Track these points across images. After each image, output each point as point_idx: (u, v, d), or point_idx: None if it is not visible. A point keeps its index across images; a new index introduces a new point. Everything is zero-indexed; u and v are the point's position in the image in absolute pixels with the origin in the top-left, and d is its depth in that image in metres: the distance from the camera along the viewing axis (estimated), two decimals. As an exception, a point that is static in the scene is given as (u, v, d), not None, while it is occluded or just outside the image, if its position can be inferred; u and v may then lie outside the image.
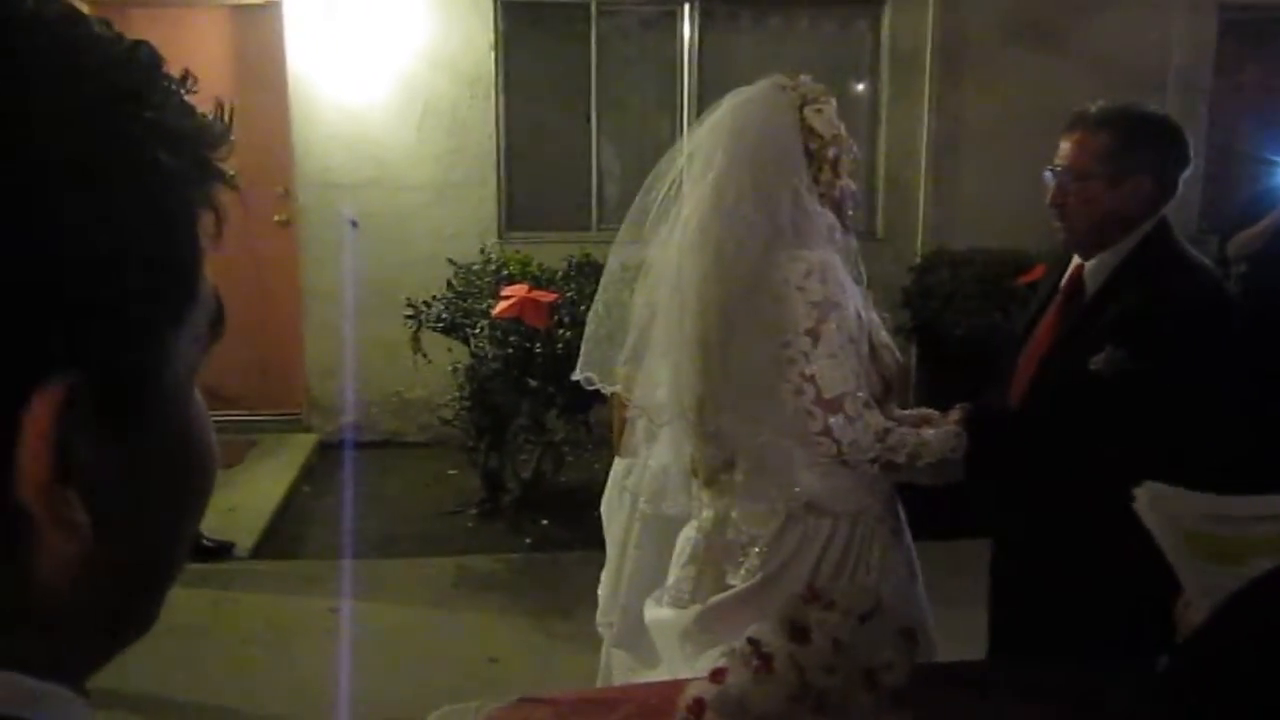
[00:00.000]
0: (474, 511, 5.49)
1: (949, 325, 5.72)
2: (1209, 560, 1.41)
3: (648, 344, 2.27)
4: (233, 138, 0.56)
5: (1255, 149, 5.50)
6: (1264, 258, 4.81)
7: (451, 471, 5.93)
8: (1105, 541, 2.18)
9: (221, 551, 4.82)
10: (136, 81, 0.50)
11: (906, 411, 2.30)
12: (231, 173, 0.59)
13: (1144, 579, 2.23)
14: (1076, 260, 2.37)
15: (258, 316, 6.47)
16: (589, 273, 5.30)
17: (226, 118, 0.55)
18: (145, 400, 0.50)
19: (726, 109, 2.19)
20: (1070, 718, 1.94)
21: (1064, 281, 2.39)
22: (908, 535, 2.33)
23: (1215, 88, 6.98)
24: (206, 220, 0.55)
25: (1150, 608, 2.29)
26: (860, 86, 6.97)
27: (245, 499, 5.49)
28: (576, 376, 2.52)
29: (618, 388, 2.47)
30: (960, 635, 2.57)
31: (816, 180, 2.15)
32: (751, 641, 1.84)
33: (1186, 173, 2.30)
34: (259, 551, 5.02)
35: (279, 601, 4.54)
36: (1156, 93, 6.18)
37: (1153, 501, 1.50)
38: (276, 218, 6.58)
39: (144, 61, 0.51)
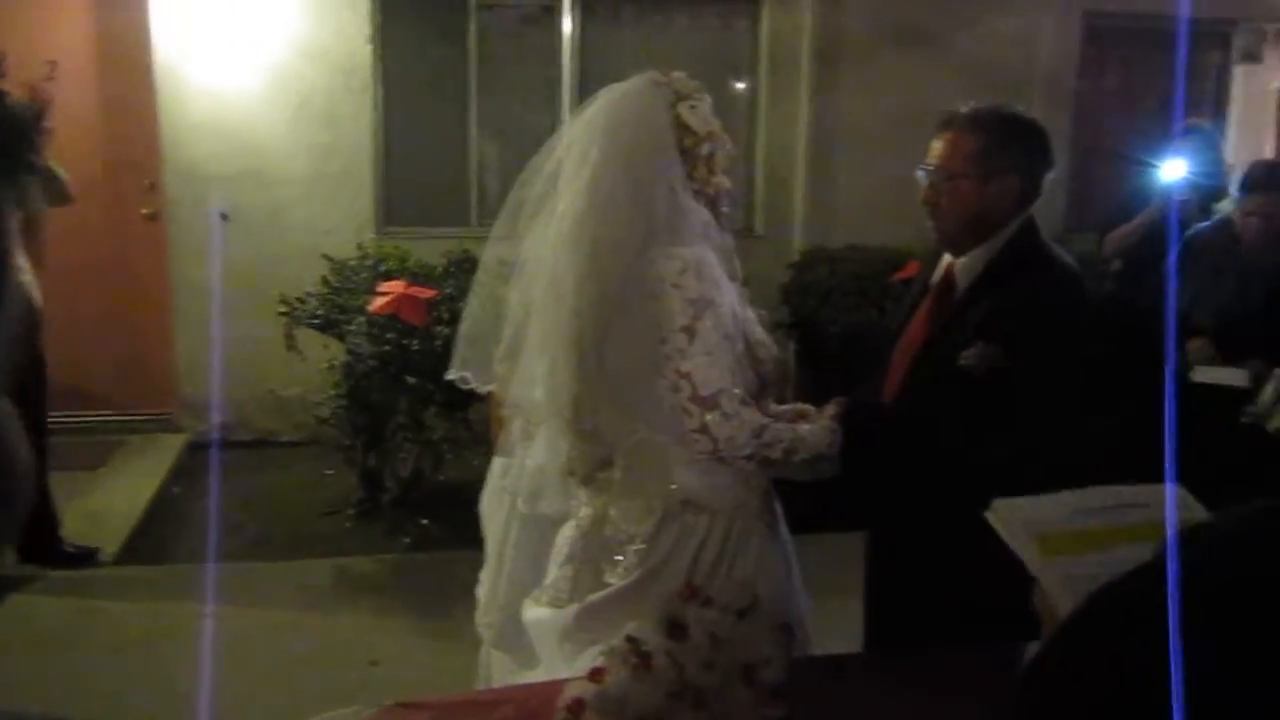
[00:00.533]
0: (352, 512, 5.39)
1: (827, 322, 5.82)
2: (1068, 555, 1.45)
3: (523, 342, 2.25)
4: (48, 125, 0.53)
5: (1127, 150, 5.72)
6: (1136, 255, 5.01)
7: (328, 471, 5.80)
8: (976, 533, 2.23)
9: (84, 558, 4.64)
10: None
11: (782, 407, 2.32)
12: (54, 167, 0.55)
13: (1015, 569, 2.30)
14: (947, 258, 2.42)
15: (124, 313, 6.25)
16: (468, 268, 5.23)
17: (39, 108, 0.52)
18: None
19: (601, 105, 2.18)
20: (945, 706, 1.98)
21: (935, 279, 2.44)
22: (784, 530, 2.35)
23: (1079, 91, 7.24)
24: (9, 214, 0.51)
25: (1021, 597, 2.37)
26: (740, 84, 7.03)
27: (110, 503, 5.30)
28: (451, 376, 2.48)
29: (493, 387, 2.44)
30: (836, 628, 2.61)
31: (691, 177, 2.15)
32: (630, 639, 1.84)
33: (1051, 173, 2.37)
34: (126, 557, 4.85)
35: (148, 608, 4.38)
36: (1024, 95, 6.37)
37: (1006, 517, 1.54)
38: (144, 211, 6.36)
39: None
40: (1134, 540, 1.31)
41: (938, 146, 2.33)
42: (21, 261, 3.25)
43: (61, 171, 4.40)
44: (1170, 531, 0.75)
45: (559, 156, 2.19)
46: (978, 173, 2.28)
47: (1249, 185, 4.28)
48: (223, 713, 3.48)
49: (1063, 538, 1.48)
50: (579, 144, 2.15)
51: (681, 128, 2.14)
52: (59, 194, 4.38)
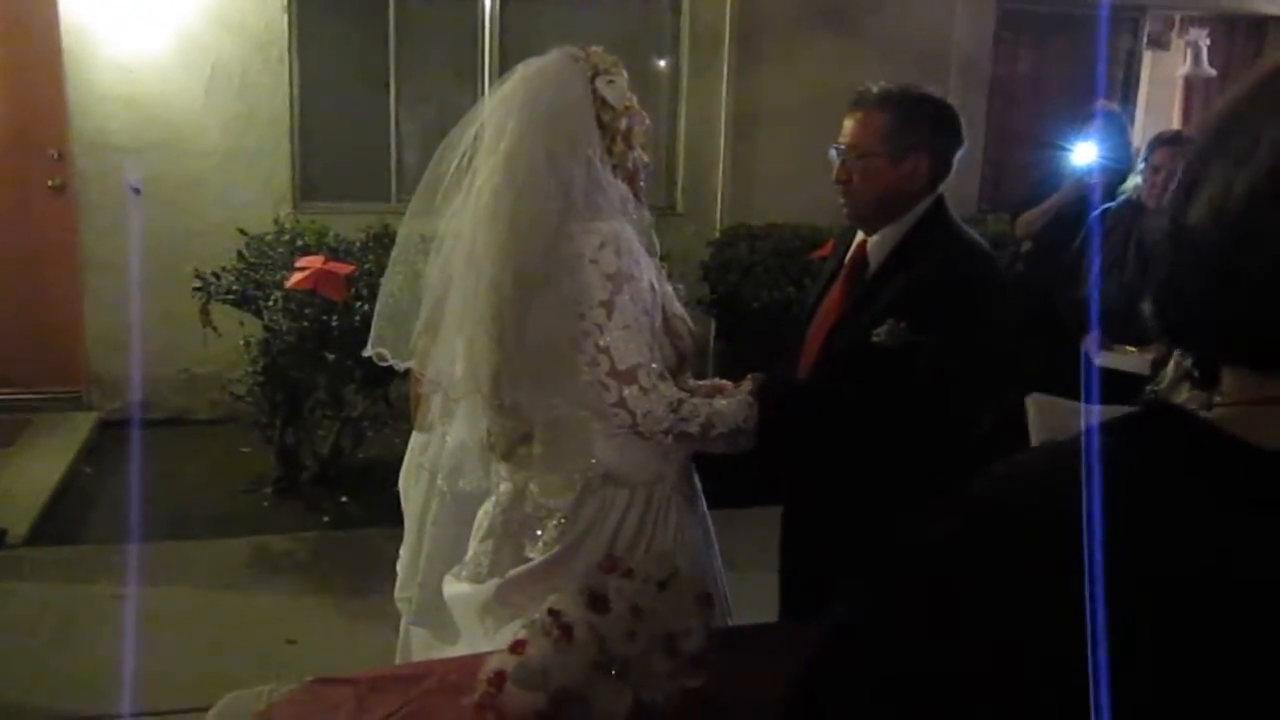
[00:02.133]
0: (269, 490, 5.32)
1: (747, 298, 5.86)
2: None
3: (442, 317, 2.24)
4: None
5: (1041, 134, 5.84)
6: (1045, 236, 5.13)
7: (245, 449, 5.72)
8: (887, 504, 2.28)
9: None
10: None
11: (700, 382, 2.34)
12: None
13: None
14: (860, 236, 2.47)
15: (30, 287, 6.08)
16: (387, 244, 5.17)
17: None
18: None
19: (518, 79, 2.17)
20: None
21: (848, 257, 2.49)
22: (703, 503, 2.38)
23: (995, 74, 7.37)
24: None
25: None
26: (662, 62, 7.04)
27: (18, 482, 5.16)
28: (368, 353, 2.47)
29: (411, 363, 2.44)
30: (753, 599, 2.66)
31: (609, 152, 2.16)
32: (551, 612, 1.85)
33: (960, 152, 2.42)
34: (36, 538, 4.74)
35: (59, 589, 4.29)
36: (941, 77, 6.48)
37: (1038, 411, 1.60)
38: (50, 182, 6.18)
39: None
40: None
41: (849, 125, 2.37)
42: None
43: None
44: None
45: (476, 131, 2.18)
46: (889, 151, 2.32)
47: (1156, 143, 4.42)
48: (139, 693, 3.44)
49: None
50: (496, 118, 2.14)
51: (599, 102, 2.15)
52: None
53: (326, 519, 5.09)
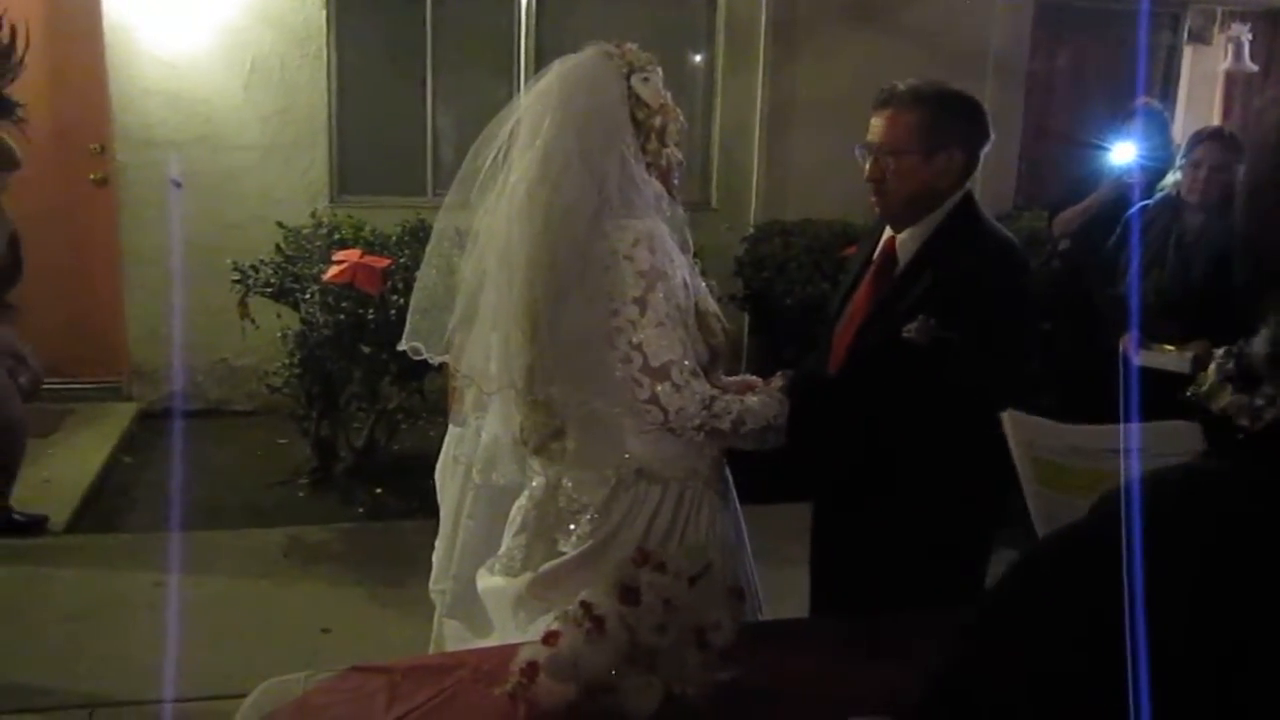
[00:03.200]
0: (305, 481, 5.38)
1: (780, 294, 5.86)
2: (1054, 487, 1.51)
3: (476, 312, 2.26)
4: (18, 61, 0.52)
5: (1077, 133, 5.80)
6: (1083, 235, 5.09)
7: (281, 440, 5.79)
8: (917, 500, 2.29)
9: (34, 526, 4.59)
10: None
11: (731, 379, 2.35)
12: (16, 102, 0.54)
13: (954, 536, 2.37)
14: (888, 232, 2.47)
15: (73, 279, 6.17)
16: (423, 238, 5.22)
17: (9, 39, 0.51)
18: None
19: (554, 76, 2.18)
20: (889, 667, 2.03)
21: (876, 254, 2.49)
22: (735, 499, 2.39)
23: (1031, 70, 7.32)
24: None
25: (960, 562, 2.44)
26: (697, 58, 7.04)
27: (60, 471, 5.25)
28: (402, 346, 2.49)
29: (446, 358, 2.46)
30: (784, 595, 2.67)
31: (644, 149, 2.17)
32: (584, 604, 1.87)
33: (987, 147, 2.42)
34: (76, 525, 4.82)
35: (99, 576, 4.36)
36: (978, 74, 6.44)
37: (1014, 427, 1.60)
38: (92, 176, 6.27)
39: None
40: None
41: (879, 124, 2.37)
42: None
43: (23, 112, 4.31)
44: (1132, 476, 0.80)
45: (511, 127, 2.19)
46: (922, 148, 2.32)
47: (1196, 139, 4.38)
48: (176, 679, 3.49)
49: (1055, 470, 1.54)
50: (532, 114, 2.16)
51: (634, 100, 2.16)
52: (6, 158, 4.31)
53: (361, 510, 5.14)
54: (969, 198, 2.39)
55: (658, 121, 2.18)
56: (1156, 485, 0.83)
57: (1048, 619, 0.86)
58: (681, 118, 2.24)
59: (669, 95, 2.21)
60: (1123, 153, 4.98)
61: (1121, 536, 0.81)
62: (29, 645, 3.78)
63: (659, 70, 2.21)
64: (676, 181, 2.25)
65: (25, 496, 5.06)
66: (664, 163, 2.20)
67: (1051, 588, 0.88)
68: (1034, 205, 6.62)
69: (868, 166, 2.39)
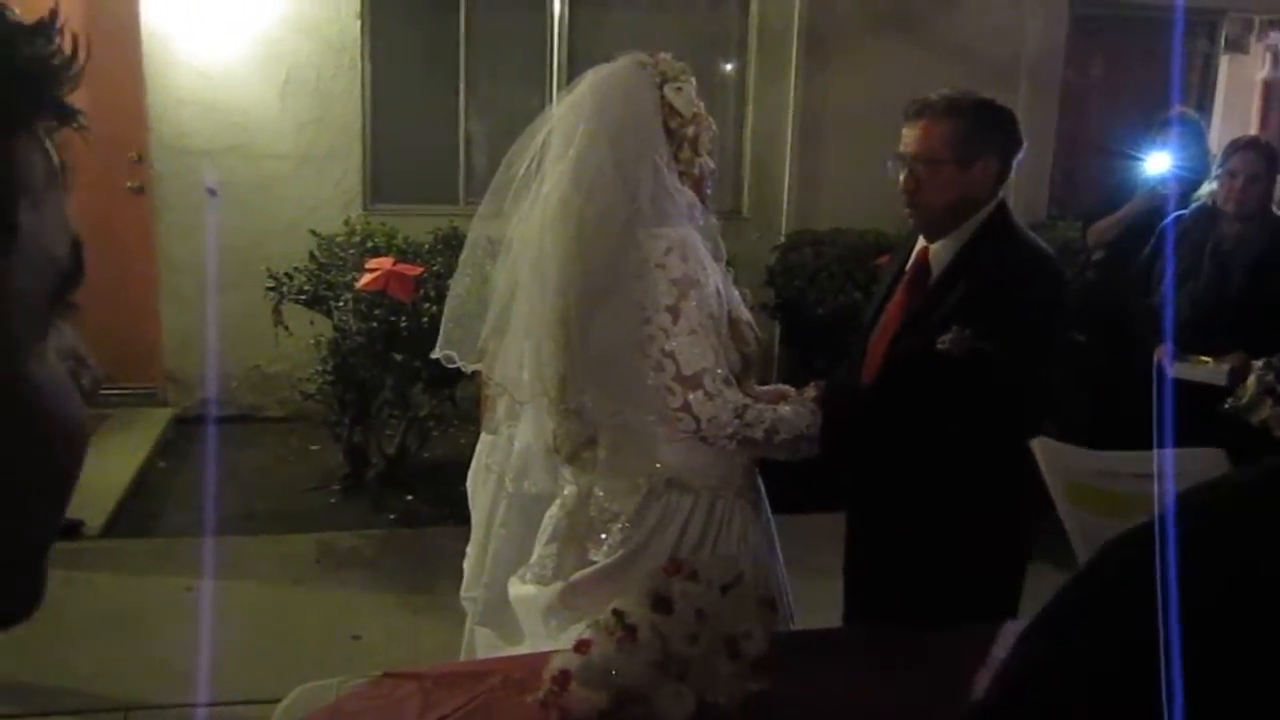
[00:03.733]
0: (336, 487, 5.41)
1: (812, 304, 5.85)
2: (1089, 509, 1.50)
3: (509, 321, 2.27)
4: (78, 68, 0.53)
5: (1112, 143, 5.75)
6: (1117, 245, 5.04)
7: (314, 447, 5.82)
8: (952, 511, 2.28)
9: (68, 530, 4.63)
10: None
11: (764, 388, 2.35)
12: (77, 110, 0.55)
13: (989, 547, 2.36)
14: (921, 243, 2.46)
15: (109, 286, 6.22)
16: (455, 246, 5.24)
17: (71, 49, 0.52)
18: None
19: (587, 86, 2.19)
20: (923, 679, 2.02)
21: (910, 264, 2.48)
22: (767, 509, 2.39)
23: (1066, 79, 7.27)
24: (33, 154, 0.51)
25: (994, 573, 2.42)
26: (729, 66, 7.04)
27: (95, 475, 5.29)
28: (436, 354, 2.51)
29: (479, 366, 2.47)
30: (816, 605, 2.66)
31: (676, 158, 2.17)
32: (616, 613, 1.87)
33: (1020, 156, 2.41)
34: (110, 530, 4.86)
35: (133, 581, 4.40)
36: (1011, 83, 6.41)
37: (1044, 454, 1.59)
38: (129, 184, 6.34)
39: None
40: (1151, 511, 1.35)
41: (913, 134, 2.36)
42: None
43: (84, 119, 4.34)
44: (1168, 499, 0.79)
45: (544, 137, 2.20)
46: (958, 157, 2.31)
47: (1232, 149, 4.34)
48: (208, 684, 3.52)
49: (1089, 493, 1.54)
50: (565, 124, 2.17)
51: (667, 109, 2.16)
52: None
53: (392, 516, 5.16)
54: (1003, 207, 2.38)
55: (691, 131, 2.18)
56: (1201, 503, 0.82)
57: (1087, 643, 0.85)
58: (714, 127, 2.25)
59: (702, 105, 2.21)
60: (1158, 162, 4.93)
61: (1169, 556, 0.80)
62: (63, 648, 3.81)
63: (692, 80, 2.22)
64: (709, 191, 2.25)
65: (61, 501, 5.12)
66: (697, 172, 2.20)
67: (1093, 613, 0.87)
68: (1068, 215, 6.57)
69: (902, 178, 2.38)
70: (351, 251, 5.26)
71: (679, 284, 2.06)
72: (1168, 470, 1.46)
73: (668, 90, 2.17)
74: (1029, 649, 0.93)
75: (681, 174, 2.18)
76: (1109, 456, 1.60)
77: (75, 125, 0.53)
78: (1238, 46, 7.72)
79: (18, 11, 0.51)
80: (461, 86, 6.58)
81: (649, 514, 2.19)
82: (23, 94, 0.50)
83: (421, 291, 4.90)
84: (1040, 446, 1.63)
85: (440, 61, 6.58)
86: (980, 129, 2.33)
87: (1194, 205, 4.55)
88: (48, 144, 0.53)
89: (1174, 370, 4.15)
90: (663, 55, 2.23)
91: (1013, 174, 2.40)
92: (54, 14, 0.51)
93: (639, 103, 2.16)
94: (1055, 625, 0.91)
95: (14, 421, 0.51)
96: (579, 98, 2.19)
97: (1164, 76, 7.14)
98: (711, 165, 2.25)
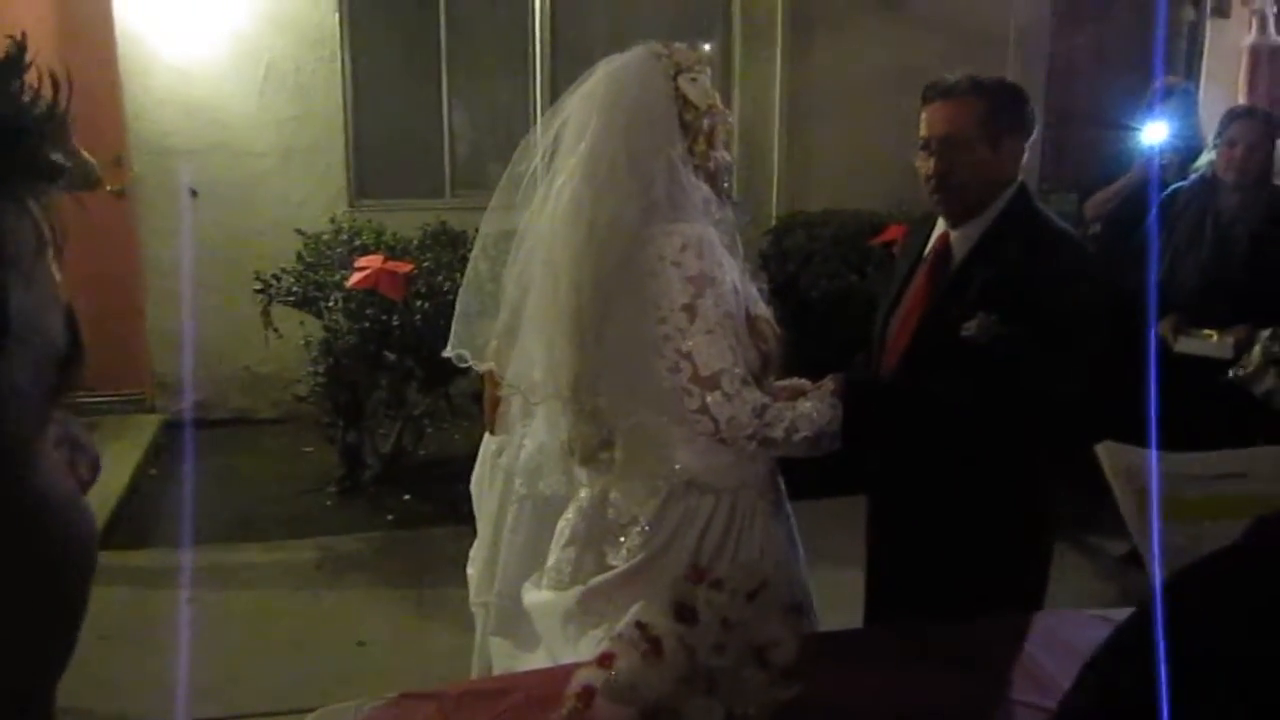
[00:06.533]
0: (333, 489, 5.34)
1: (806, 287, 5.78)
2: (1163, 518, 1.45)
3: (521, 319, 2.20)
4: (62, 113, 0.46)
5: (1103, 111, 5.69)
6: (1115, 217, 4.98)
7: (307, 449, 5.75)
8: (980, 504, 2.22)
9: None
10: None
11: (780, 383, 2.28)
12: (87, 164, 0.49)
13: (1017, 536, 2.30)
14: (941, 227, 2.39)
15: (92, 293, 6.11)
16: (445, 241, 5.18)
17: (55, 97, 0.45)
18: None
19: (600, 77, 2.11)
20: (954, 676, 1.97)
21: (929, 249, 2.41)
22: (788, 507, 2.33)
23: (1053, 51, 7.21)
24: (20, 224, 0.44)
25: (1023, 564, 2.37)
26: (713, 46, 6.95)
27: (87, 486, 5.21)
28: (447, 353, 2.44)
29: (490, 365, 2.40)
30: (834, 593, 2.58)
31: (691, 151, 2.10)
32: (639, 625, 1.81)
33: (1034, 136, 2.35)
34: (106, 542, 4.75)
35: (130, 594, 4.31)
36: (999, 55, 6.35)
37: (1110, 459, 1.53)
38: (110, 188, 6.21)
39: None
40: (1222, 516, 1.30)
41: (938, 117, 2.29)
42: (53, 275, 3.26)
43: (86, 154, 4.27)
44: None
45: (556, 130, 2.13)
46: (987, 138, 2.25)
47: (1230, 118, 4.29)
48: (212, 697, 3.46)
49: (1165, 499, 1.48)
50: (577, 117, 2.10)
51: (682, 101, 2.09)
52: (86, 178, 4.28)
53: (390, 517, 5.09)
54: (1024, 188, 2.32)
55: (706, 123, 2.11)
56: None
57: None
58: (730, 118, 2.18)
59: (717, 96, 2.14)
60: (1154, 133, 4.88)
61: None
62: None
63: (708, 71, 2.15)
64: (726, 184, 2.18)
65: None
66: (712, 165, 2.13)
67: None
68: (1060, 188, 6.52)
69: (931, 163, 2.30)
70: (339, 250, 5.18)
71: (695, 281, 1.99)
72: (1254, 470, 1.41)
73: (682, 81, 2.10)
74: (1098, 679, 0.87)
75: (697, 168, 2.11)
76: (1182, 459, 1.53)
77: (63, 184, 0.46)
78: (1220, 11, 7.66)
79: None
80: (444, 77, 6.48)
81: (668, 517, 2.13)
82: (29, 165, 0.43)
83: (412, 289, 4.82)
84: (1106, 451, 1.56)
85: (421, 52, 6.47)
86: (1004, 109, 2.27)
87: (1193, 176, 4.50)
88: (35, 208, 0.46)
89: (1178, 344, 4.11)
90: (678, 45, 2.16)
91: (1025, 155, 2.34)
92: (21, 46, 0.44)
93: (653, 94, 2.08)
94: (1123, 656, 0.86)
95: (17, 546, 0.44)
96: (591, 89, 2.12)
97: (1150, 44, 7.09)
98: (727, 158, 2.18)
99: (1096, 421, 2.15)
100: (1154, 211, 4.41)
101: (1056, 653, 1.98)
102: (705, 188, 2.11)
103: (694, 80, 2.10)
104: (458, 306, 2.39)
